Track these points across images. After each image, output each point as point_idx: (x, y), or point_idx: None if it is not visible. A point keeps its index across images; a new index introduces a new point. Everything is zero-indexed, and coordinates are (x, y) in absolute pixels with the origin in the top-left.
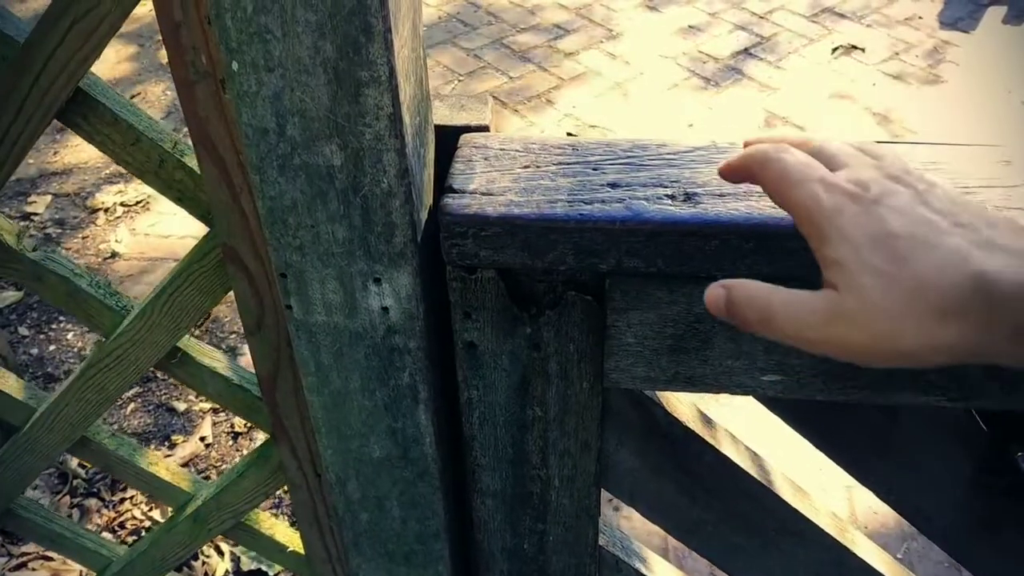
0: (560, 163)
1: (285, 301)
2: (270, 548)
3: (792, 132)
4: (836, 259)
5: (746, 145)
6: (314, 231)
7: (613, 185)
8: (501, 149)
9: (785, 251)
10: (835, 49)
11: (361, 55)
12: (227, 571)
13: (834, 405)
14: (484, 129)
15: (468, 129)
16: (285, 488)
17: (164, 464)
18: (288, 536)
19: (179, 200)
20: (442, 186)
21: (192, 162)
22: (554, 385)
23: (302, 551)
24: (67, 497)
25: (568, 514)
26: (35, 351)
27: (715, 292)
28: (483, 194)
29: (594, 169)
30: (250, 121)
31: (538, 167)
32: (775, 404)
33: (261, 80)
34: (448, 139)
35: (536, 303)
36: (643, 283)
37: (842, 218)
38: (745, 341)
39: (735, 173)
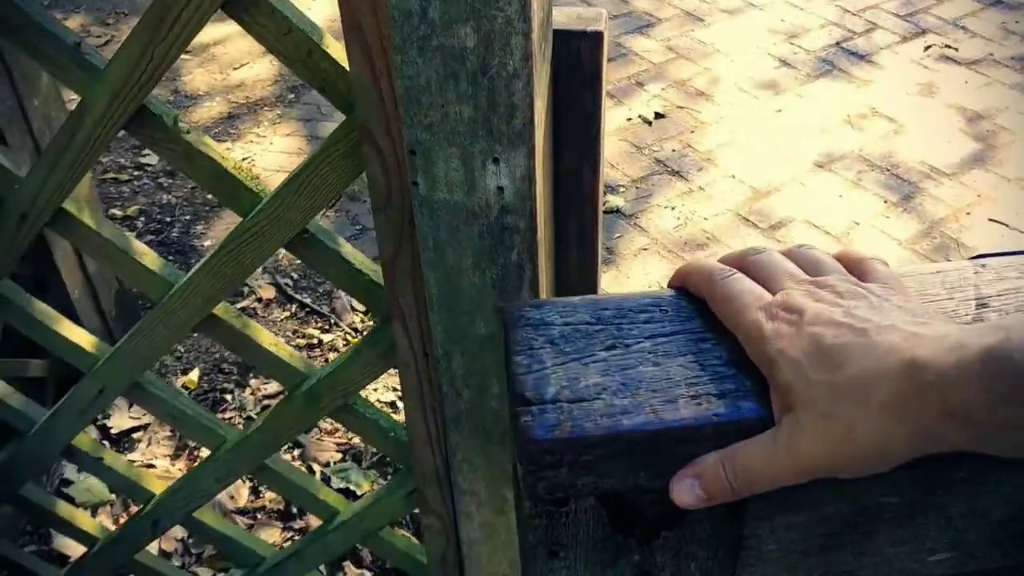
0: (654, 336)
1: (412, 178)
2: (373, 432)
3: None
4: (784, 381)
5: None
6: (443, 110)
7: (738, 364)
8: (566, 324)
9: None
10: (928, 47)
11: None
12: None
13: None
14: (599, 37)
15: (584, 35)
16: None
17: (284, 346)
18: (391, 422)
19: (322, 89)
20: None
21: (335, 53)
22: None
23: (403, 438)
24: None
25: None
26: None
27: (684, 484)
28: (570, 401)
29: (701, 340)
30: (397, 4)
31: (627, 345)
32: None
33: None
34: (564, 42)
35: (645, 523)
36: None
37: (782, 342)
38: (915, 525)
39: (683, 287)
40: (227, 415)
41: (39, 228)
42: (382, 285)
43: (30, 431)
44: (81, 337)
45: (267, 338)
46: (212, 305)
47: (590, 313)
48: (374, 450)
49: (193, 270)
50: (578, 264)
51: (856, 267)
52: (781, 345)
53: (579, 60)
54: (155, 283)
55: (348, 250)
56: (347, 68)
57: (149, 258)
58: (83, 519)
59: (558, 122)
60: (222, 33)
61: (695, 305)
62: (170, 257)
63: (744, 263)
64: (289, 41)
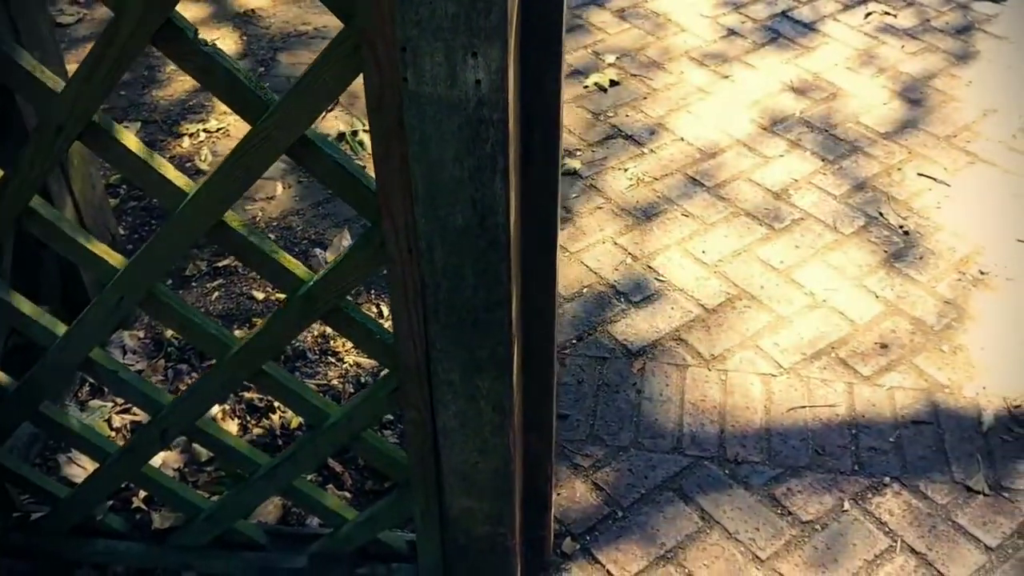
0: None
1: (402, 73)
2: (362, 333)
3: None
4: None
5: None
6: (431, 6)
7: None
8: None
9: None
10: (868, 15)
11: None
12: (300, 424)
13: None
14: None
15: None
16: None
17: (284, 254)
18: (377, 325)
19: None
20: None
21: None
22: None
23: (388, 340)
24: (162, 361)
25: None
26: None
27: None
28: None
29: None
30: None
31: None
32: None
33: None
34: None
35: None
36: None
37: None
38: None
39: None
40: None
41: (74, 137)
42: (372, 189)
43: (52, 346)
44: (102, 249)
45: (269, 245)
46: (223, 210)
47: None
48: (352, 390)
49: (206, 177)
50: (542, 168)
51: None
52: None
53: None
54: (172, 193)
55: (342, 156)
56: None
57: (167, 168)
58: (98, 430)
59: (527, 30)
60: (192, 13)
61: None
62: (153, 222)
63: None
64: None
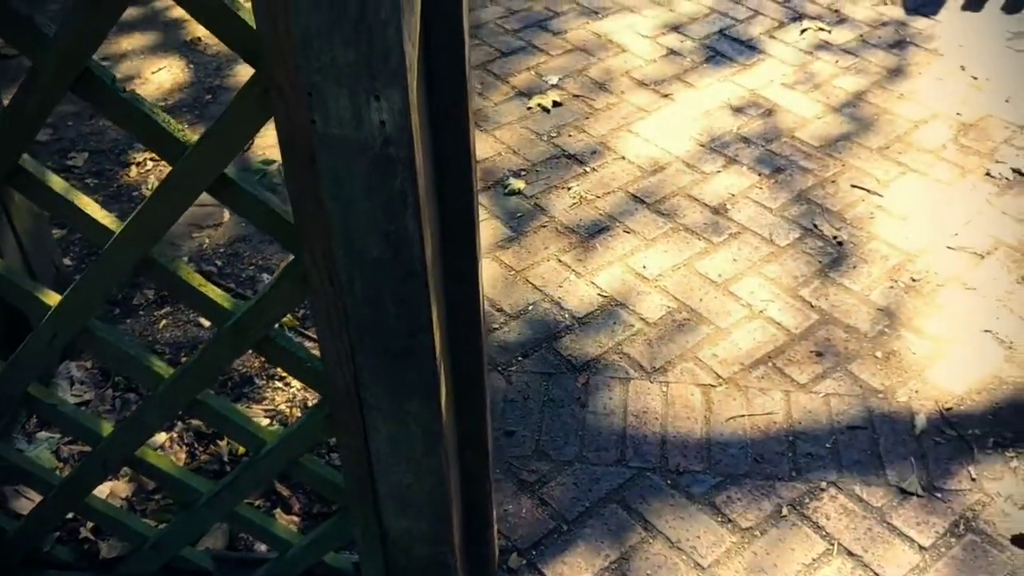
0: None
1: (310, 117)
2: (292, 362)
3: None
4: None
5: None
6: (331, 54)
7: None
8: None
9: None
10: (803, 31)
11: None
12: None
13: None
14: None
15: None
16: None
17: (211, 287)
18: (307, 353)
19: (235, 46)
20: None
21: (245, 16)
22: None
23: (319, 367)
24: (109, 391)
25: None
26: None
27: None
28: None
29: None
30: None
31: None
32: None
33: None
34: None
35: None
36: None
37: None
38: None
39: None
40: None
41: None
42: (291, 222)
43: None
44: (33, 286)
45: (196, 279)
46: (150, 246)
47: None
48: (299, 414)
49: (131, 216)
50: (458, 197)
51: None
52: None
53: (444, 14)
54: (99, 231)
55: (261, 192)
56: (254, 26)
57: (93, 208)
58: (44, 462)
59: (431, 68)
60: (137, 42)
61: None
62: (97, 252)
63: None
64: (206, 4)
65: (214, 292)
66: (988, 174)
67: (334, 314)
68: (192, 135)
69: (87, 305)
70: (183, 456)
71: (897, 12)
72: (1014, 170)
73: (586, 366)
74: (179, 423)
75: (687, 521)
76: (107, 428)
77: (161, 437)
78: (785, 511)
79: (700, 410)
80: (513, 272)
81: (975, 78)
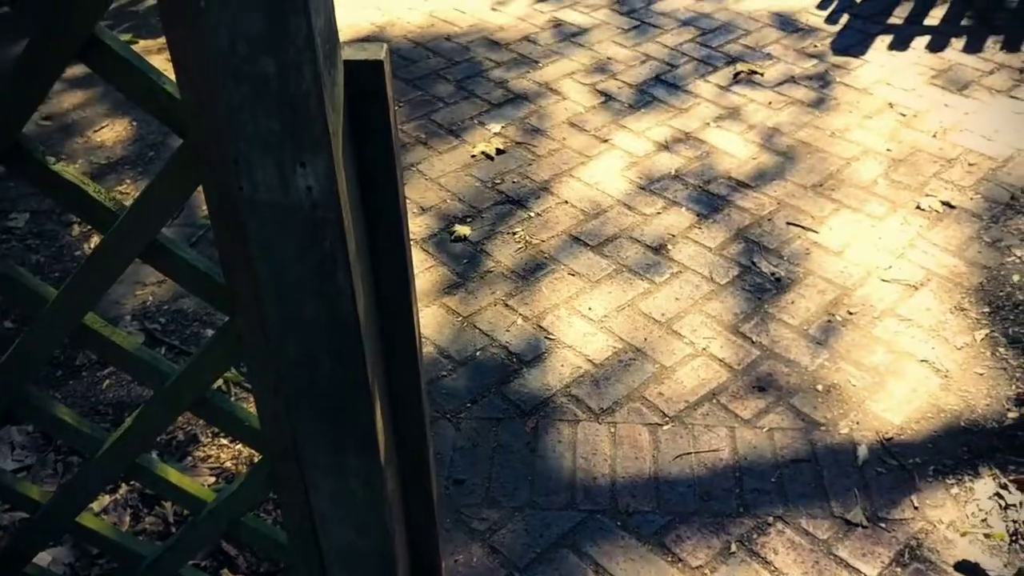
0: None
1: (238, 183)
2: (230, 421)
3: None
4: None
5: None
6: (255, 125)
7: None
8: None
9: None
10: (736, 74)
11: None
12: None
13: None
14: (379, 64)
15: (367, 63)
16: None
17: (146, 350)
18: (244, 412)
19: (163, 118)
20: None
21: (171, 88)
22: None
23: (256, 425)
24: (52, 455)
25: None
26: None
27: None
28: None
29: None
30: (212, 44)
31: None
32: None
33: (220, 14)
34: (354, 70)
35: None
36: None
37: None
38: None
39: None
40: None
41: None
42: (224, 284)
43: None
44: None
45: (131, 343)
46: (84, 313)
47: None
48: (245, 470)
49: (65, 283)
50: (391, 254)
51: None
52: None
53: (366, 83)
54: (33, 300)
55: (193, 256)
56: (180, 98)
57: (25, 278)
58: None
59: (357, 133)
60: (79, 99)
61: None
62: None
63: None
64: (133, 80)
65: (149, 355)
66: (919, 207)
67: (270, 373)
68: (123, 204)
69: (23, 373)
70: (127, 519)
71: (826, 52)
72: (943, 203)
73: (535, 410)
74: (124, 485)
75: (638, 563)
76: (45, 495)
77: (105, 500)
78: (734, 547)
79: (648, 449)
80: (460, 318)
81: (903, 115)
